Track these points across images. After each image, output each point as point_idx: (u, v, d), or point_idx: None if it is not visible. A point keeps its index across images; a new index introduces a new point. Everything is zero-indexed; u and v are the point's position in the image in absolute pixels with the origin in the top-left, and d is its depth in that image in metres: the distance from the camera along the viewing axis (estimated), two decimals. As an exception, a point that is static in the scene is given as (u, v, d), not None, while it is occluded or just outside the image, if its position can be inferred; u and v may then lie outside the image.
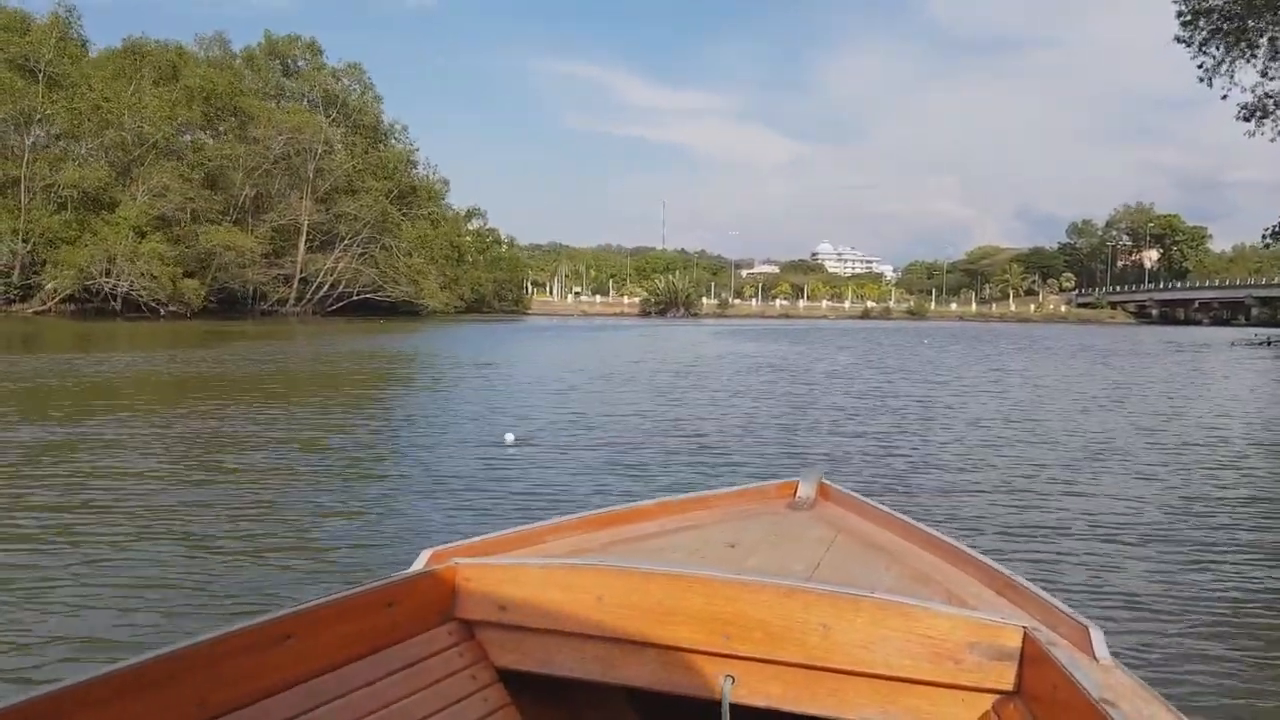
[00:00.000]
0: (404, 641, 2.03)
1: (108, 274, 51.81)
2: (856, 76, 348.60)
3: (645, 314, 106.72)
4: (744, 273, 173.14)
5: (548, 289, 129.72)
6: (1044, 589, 2.10)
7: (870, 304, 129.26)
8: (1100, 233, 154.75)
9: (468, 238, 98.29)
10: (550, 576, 2.11)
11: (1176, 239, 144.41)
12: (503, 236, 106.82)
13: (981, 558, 2.35)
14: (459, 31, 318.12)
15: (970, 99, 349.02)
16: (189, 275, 58.51)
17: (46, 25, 54.81)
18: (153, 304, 53.34)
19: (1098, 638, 1.78)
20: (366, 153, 69.40)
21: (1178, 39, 40.09)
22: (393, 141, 75.65)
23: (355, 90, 71.42)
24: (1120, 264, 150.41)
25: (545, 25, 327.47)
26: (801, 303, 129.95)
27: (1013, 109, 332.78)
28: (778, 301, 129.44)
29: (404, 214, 72.65)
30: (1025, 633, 1.82)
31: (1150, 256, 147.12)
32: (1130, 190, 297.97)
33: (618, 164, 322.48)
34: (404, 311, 71.79)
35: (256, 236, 61.89)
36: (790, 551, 2.43)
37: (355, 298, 69.74)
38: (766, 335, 49.05)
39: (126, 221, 51.38)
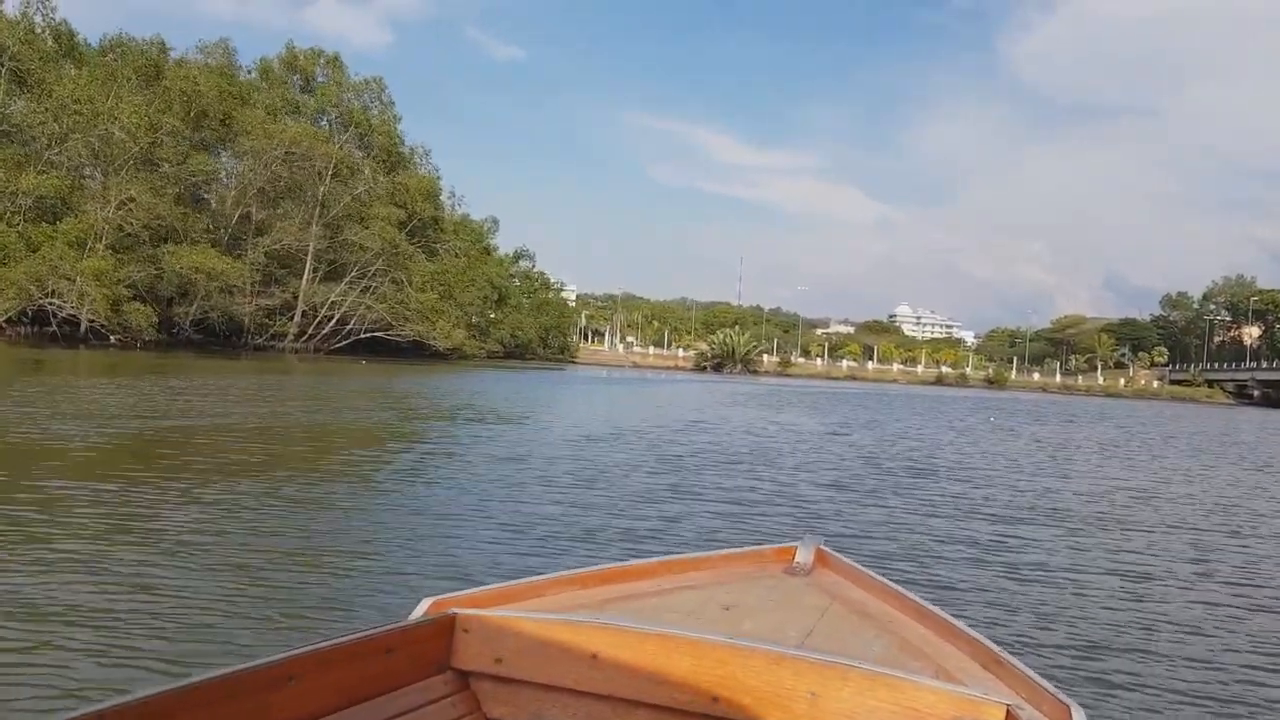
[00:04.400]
0: (401, 689, 1.98)
1: (51, 294, 42.97)
2: (946, 139, 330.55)
3: (700, 369, 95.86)
4: (819, 331, 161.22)
5: (604, 338, 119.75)
6: (1030, 666, 2.03)
7: (945, 369, 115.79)
8: (1196, 306, 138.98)
9: (515, 280, 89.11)
10: (547, 631, 2.07)
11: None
12: (552, 281, 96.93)
13: (971, 632, 2.27)
14: (548, 85, 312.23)
15: (1062, 165, 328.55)
16: (169, 301, 49.92)
17: (11, 18, 46.82)
18: (101, 329, 44.38)
19: (1079, 718, 1.75)
20: (380, 177, 60.06)
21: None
22: (414, 169, 65.91)
23: (375, 108, 62.10)
24: (1218, 339, 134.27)
25: (636, 82, 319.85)
26: (870, 364, 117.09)
27: (1104, 176, 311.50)
28: (844, 362, 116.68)
29: (420, 246, 63.01)
30: (1008, 710, 1.77)
31: (1251, 333, 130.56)
32: (1225, 264, 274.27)
33: (700, 219, 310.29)
34: (429, 354, 62.25)
35: (249, 263, 52.82)
36: (785, 617, 2.35)
37: (364, 335, 60.27)
38: (799, 400, 37.27)
39: (64, 235, 42.47)
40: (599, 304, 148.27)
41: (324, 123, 61.05)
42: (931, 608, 2.46)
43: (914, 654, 2.14)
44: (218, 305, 50.79)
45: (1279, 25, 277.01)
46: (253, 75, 60.90)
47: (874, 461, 14.35)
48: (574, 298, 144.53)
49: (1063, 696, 1.84)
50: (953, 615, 2.40)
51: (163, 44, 53.50)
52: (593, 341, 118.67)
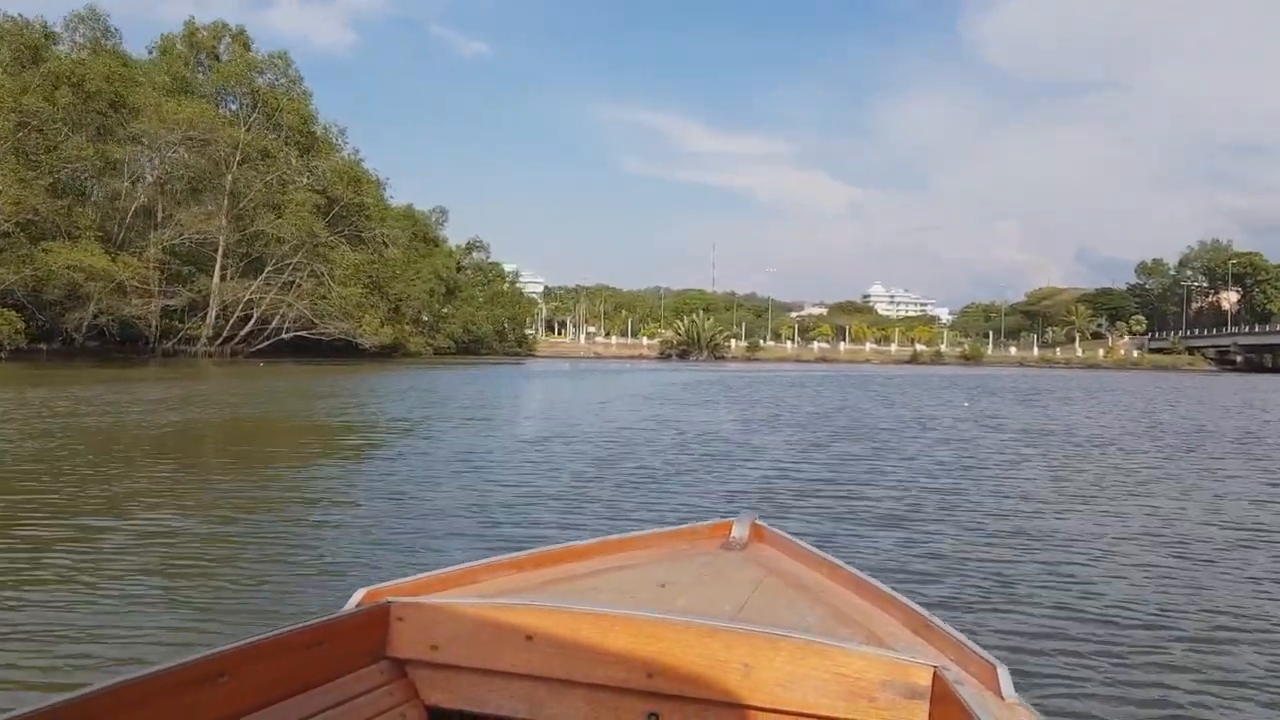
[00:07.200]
0: (335, 680, 1.93)
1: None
2: (917, 122, 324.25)
3: (665, 356, 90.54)
4: (792, 315, 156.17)
5: (566, 328, 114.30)
6: (958, 628, 2.04)
7: (920, 347, 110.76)
8: (1173, 273, 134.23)
9: (467, 272, 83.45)
10: (482, 615, 2.04)
11: (1259, 279, 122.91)
12: (508, 271, 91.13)
13: (901, 598, 2.28)
14: (516, 80, 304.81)
15: (1031, 143, 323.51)
16: (60, 306, 44.08)
17: None
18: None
19: (1004, 676, 1.77)
20: (294, 160, 54.12)
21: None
22: (332, 151, 59.67)
23: (282, 84, 55.93)
24: (1196, 306, 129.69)
25: (604, 75, 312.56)
26: (843, 345, 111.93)
27: (1074, 152, 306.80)
28: (815, 344, 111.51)
29: (345, 236, 57.07)
30: (935, 672, 1.79)
31: (1229, 298, 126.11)
32: (1195, 234, 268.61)
33: (675, 209, 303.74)
34: (366, 353, 56.38)
35: (149, 260, 47.00)
36: (720, 592, 2.33)
37: (287, 335, 54.47)
38: (747, 388, 31.53)
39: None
40: (567, 295, 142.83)
41: (232, 104, 55.12)
42: (865, 577, 2.43)
43: (846, 622, 2.12)
44: (110, 308, 44.95)
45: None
46: (153, 55, 54.85)
47: (782, 497, 8.89)
48: (542, 289, 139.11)
49: (989, 657, 1.85)
50: (884, 582, 2.36)
51: (45, 25, 47.52)
52: (558, 333, 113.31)
